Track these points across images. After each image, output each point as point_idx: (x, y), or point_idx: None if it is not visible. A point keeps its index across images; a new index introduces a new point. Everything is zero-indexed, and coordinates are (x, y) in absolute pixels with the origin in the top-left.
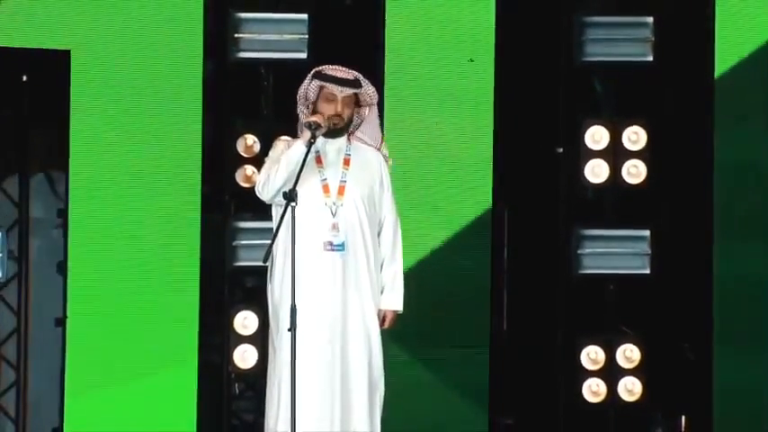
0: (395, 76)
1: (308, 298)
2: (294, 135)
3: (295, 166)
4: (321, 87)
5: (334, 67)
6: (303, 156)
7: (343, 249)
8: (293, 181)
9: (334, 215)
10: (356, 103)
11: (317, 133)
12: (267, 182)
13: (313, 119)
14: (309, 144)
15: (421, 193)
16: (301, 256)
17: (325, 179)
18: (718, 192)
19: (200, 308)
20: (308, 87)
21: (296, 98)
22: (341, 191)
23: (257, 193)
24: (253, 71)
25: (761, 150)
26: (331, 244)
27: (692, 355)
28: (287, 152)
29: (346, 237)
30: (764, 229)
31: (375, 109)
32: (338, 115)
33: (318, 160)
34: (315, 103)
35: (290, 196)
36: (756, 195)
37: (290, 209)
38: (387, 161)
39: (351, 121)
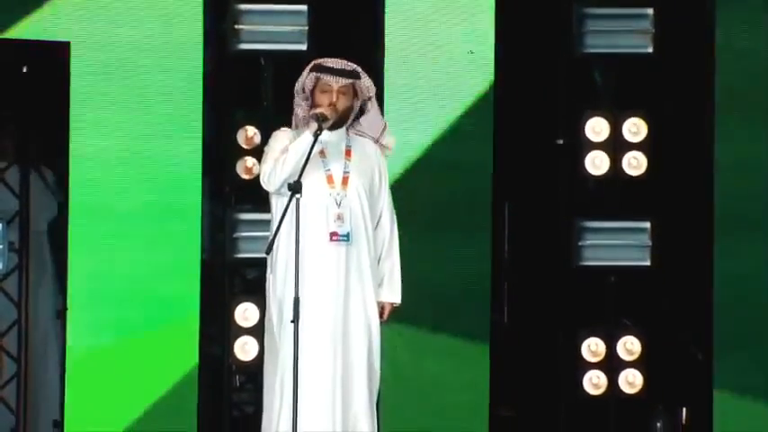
0: (394, 67)
1: (313, 289)
2: (290, 127)
3: (301, 157)
4: (317, 79)
5: (332, 59)
6: (310, 147)
7: (348, 240)
8: (298, 172)
9: (338, 206)
10: (355, 95)
11: (324, 125)
12: (273, 172)
13: (320, 110)
14: (316, 135)
15: (419, 186)
16: (306, 247)
17: (329, 170)
18: (718, 186)
19: (200, 300)
20: (305, 79)
21: (293, 91)
22: (344, 181)
23: (263, 183)
24: (253, 62)
25: (761, 145)
26: (336, 234)
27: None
28: (294, 143)
29: (351, 227)
30: (764, 223)
31: (374, 101)
32: (332, 104)
33: (321, 152)
34: (313, 95)
35: (295, 188)
36: (756, 190)
37: (294, 200)
38: (390, 148)
39: (349, 112)
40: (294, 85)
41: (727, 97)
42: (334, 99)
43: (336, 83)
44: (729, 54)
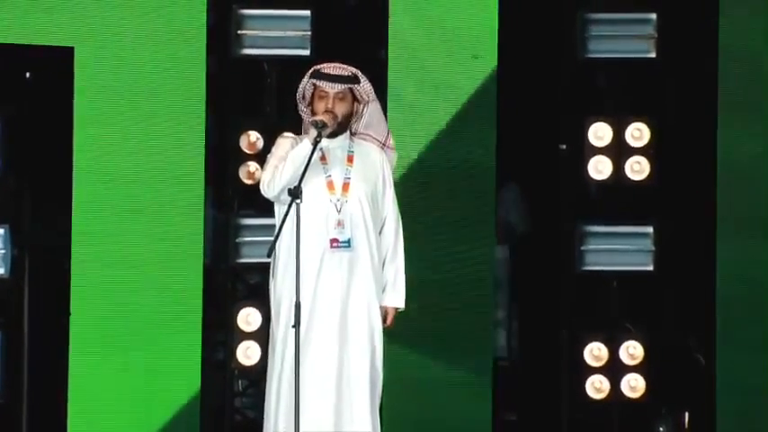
0: (397, 72)
1: (313, 295)
2: (297, 132)
3: (300, 164)
4: (315, 85)
5: (331, 64)
6: (309, 154)
7: (349, 246)
8: (298, 179)
9: (339, 212)
10: (355, 99)
11: (324, 132)
12: (272, 179)
13: (319, 117)
14: (315, 143)
15: (423, 189)
16: (306, 252)
17: (330, 176)
18: (721, 189)
19: (203, 304)
20: (305, 86)
21: (296, 97)
22: (345, 188)
23: (262, 190)
24: (256, 68)
25: (764, 147)
26: (337, 241)
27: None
28: (293, 151)
29: (351, 233)
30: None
31: (377, 104)
32: (328, 111)
33: (322, 158)
34: (312, 102)
35: (295, 193)
36: (759, 192)
37: (294, 206)
38: (393, 153)
39: (349, 118)
40: (296, 91)
41: (730, 101)
42: (330, 105)
43: (332, 89)
44: (732, 58)
